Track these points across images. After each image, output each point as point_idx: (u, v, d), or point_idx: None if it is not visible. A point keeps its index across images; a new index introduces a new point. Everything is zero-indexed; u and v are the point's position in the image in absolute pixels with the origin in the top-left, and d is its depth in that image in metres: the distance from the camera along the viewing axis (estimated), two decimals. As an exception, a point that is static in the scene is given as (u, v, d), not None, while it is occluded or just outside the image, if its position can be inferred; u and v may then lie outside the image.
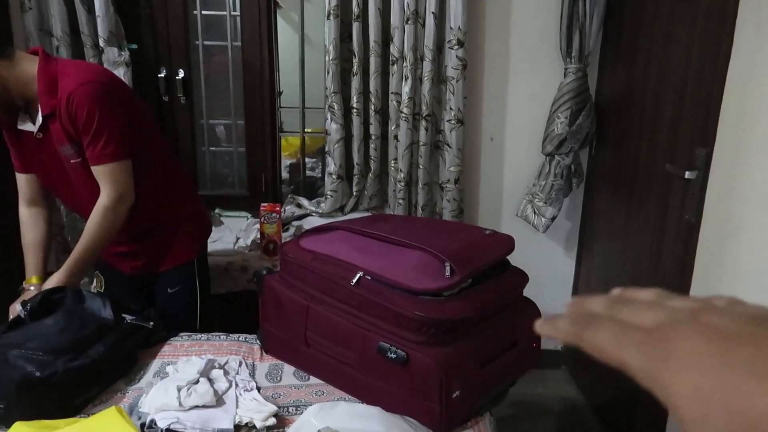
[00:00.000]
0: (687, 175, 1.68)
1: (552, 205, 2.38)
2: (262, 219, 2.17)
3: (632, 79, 2.12)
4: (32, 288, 1.64)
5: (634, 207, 2.10)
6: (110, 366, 1.42)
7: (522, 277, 1.47)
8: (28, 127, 1.56)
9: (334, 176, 2.40)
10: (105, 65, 2.19)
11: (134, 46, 2.27)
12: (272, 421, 1.27)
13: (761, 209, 1.40)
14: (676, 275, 1.78)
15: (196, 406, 1.27)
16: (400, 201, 2.39)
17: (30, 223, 1.71)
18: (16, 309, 1.52)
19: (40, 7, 2.15)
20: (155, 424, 1.20)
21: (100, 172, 1.53)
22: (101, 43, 2.15)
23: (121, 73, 2.19)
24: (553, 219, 2.40)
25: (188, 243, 1.82)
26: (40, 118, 1.51)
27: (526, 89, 2.41)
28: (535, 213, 2.42)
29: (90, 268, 1.68)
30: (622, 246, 2.18)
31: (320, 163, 2.91)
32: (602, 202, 2.40)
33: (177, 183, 1.79)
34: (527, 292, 1.51)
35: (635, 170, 2.08)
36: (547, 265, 2.64)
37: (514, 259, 1.53)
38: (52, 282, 1.57)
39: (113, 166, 1.53)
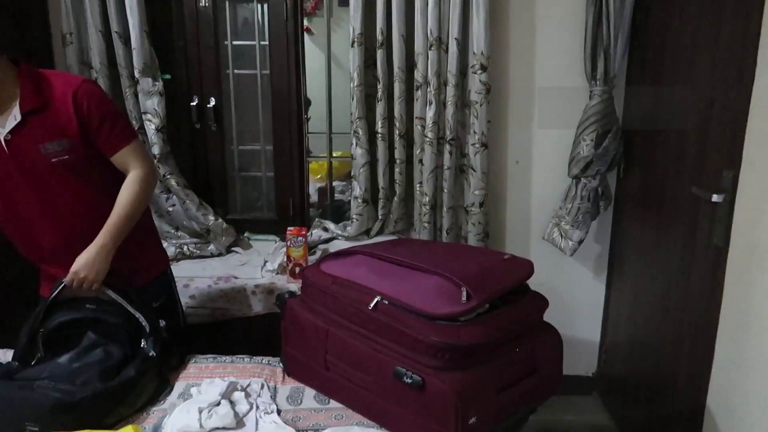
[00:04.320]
0: (714, 198, 1.64)
1: (579, 228, 2.35)
2: (289, 243, 2.21)
3: (658, 100, 2.10)
4: None
5: (662, 231, 2.06)
6: (141, 387, 1.45)
7: (542, 302, 1.46)
8: None
9: (359, 200, 2.43)
10: (140, 95, 2.29)
11: (168, 77, 2.37)
12: (290, 444, 1.28)
13: (790, 233, 1.36)
14: (705, 300, 1.74)
15: (216, 428, 1.30)
16: (426, 224, 2.40)
17: None
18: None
19: (81, 42, 2.27)
20: (176, 445, 1.23)
21: (128, 151, 1.58)
22: (137, 74, 2.25)
23: (155, 102, 2.28)
24: (580, 242, 2.36)
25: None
26: (17, 116, 1.48)
27: (551, 112, 2.40)
28: (562, 236, 2.40)
29: (117, 245, 1.57)
30: (652, 270, 2.14)
31: (349, 187, 2.94)
32: (631, 225, 2.36)
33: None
34: (556, 316, 1.49)
35: (662, 193, 2.04)
36: (576, 290, 2.60)
37: (541, 283, 1.51)
38: (84, 258, 1.50)
39: (137, 144, 1.61)
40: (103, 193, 1.61)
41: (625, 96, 2.37)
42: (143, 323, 1.52)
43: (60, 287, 1.53)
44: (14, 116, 1.49)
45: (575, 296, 2.60)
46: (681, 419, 1.89)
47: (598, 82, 2.24)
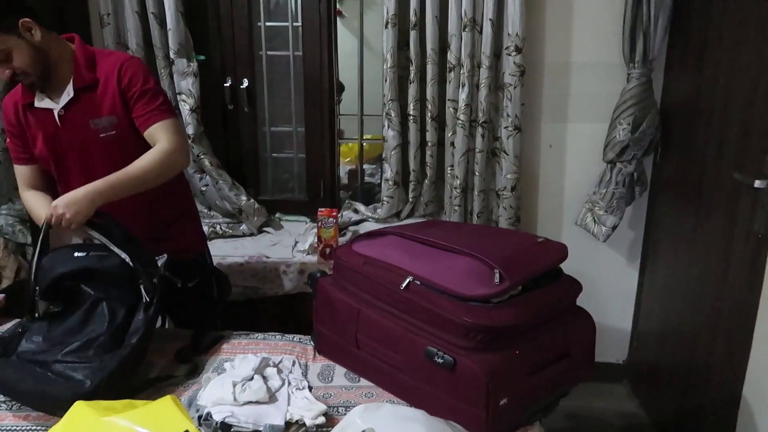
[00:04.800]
0: (757, 184, 1.60)
1: (613, 214, 2.31)
2: (320, 223, 2.22)
3: (699, 84, 2.04)
4: None
5: (700, 217, 2.01)
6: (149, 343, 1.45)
7: (575, 287, 1.44)
8: (47, 104, 1.56)
9: (390, 182, 2.43)
10: (175, 76, 2.31)
11: (202, 57, 2.39)
12: (322, 419, 1.30)
13: (837, 220, 1.32)
14: (744, 289, 1.70)
15: (250, 402, 1.32)
16: (456, 208, 2.39)
17: (39, 196, 1.64)
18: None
19: (117, 22, 2.30)
20: (211, 416, 1.26)
21: (160, 126, 1.56)
22: (171, 55, 2.27)
23: (189, 82, 2.30)
24: (614, 228, 2.33)
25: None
26: (69, 92, 1.55)
27: (587, 95, 2.36)
28: (595, 222, 2.36)
29: (111, 199, 1.48)
30: (688, 257, 2.10)
31: (379, 170, 2.94)
32: (667, 211, 2.31)
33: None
34: (588, 303, 1.47)
35: (702, 178, 1.99)
36: (608, 276, 2.57)
37: (573, 268, 1.50)
38: (69, 196, 1.43)
39: (173, 122, 1.59)
40: None
41: (664, 79, 2.31)
42: (130, 263, 1.45)
43: (44, 226, 1.45)
44: (68, 92, 1.55)
45: (607, 283, 2.56)
46: (715, 410, 1.86)
47: (636, 65, 2.19)
